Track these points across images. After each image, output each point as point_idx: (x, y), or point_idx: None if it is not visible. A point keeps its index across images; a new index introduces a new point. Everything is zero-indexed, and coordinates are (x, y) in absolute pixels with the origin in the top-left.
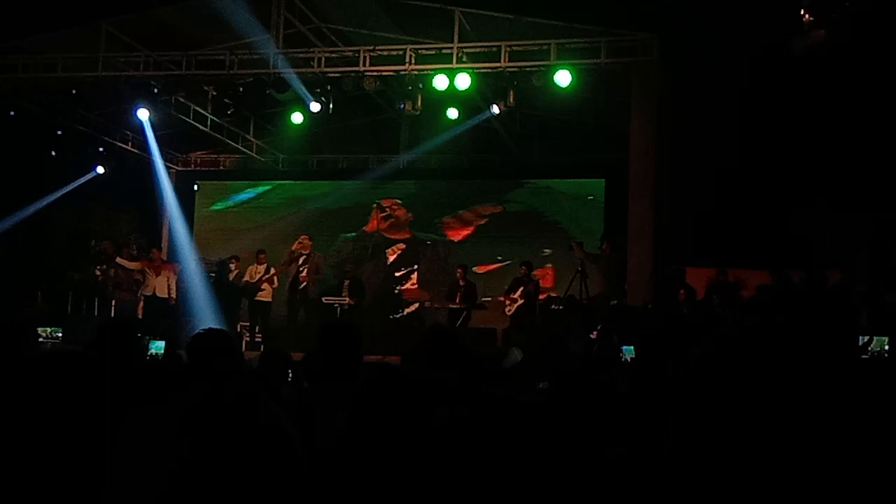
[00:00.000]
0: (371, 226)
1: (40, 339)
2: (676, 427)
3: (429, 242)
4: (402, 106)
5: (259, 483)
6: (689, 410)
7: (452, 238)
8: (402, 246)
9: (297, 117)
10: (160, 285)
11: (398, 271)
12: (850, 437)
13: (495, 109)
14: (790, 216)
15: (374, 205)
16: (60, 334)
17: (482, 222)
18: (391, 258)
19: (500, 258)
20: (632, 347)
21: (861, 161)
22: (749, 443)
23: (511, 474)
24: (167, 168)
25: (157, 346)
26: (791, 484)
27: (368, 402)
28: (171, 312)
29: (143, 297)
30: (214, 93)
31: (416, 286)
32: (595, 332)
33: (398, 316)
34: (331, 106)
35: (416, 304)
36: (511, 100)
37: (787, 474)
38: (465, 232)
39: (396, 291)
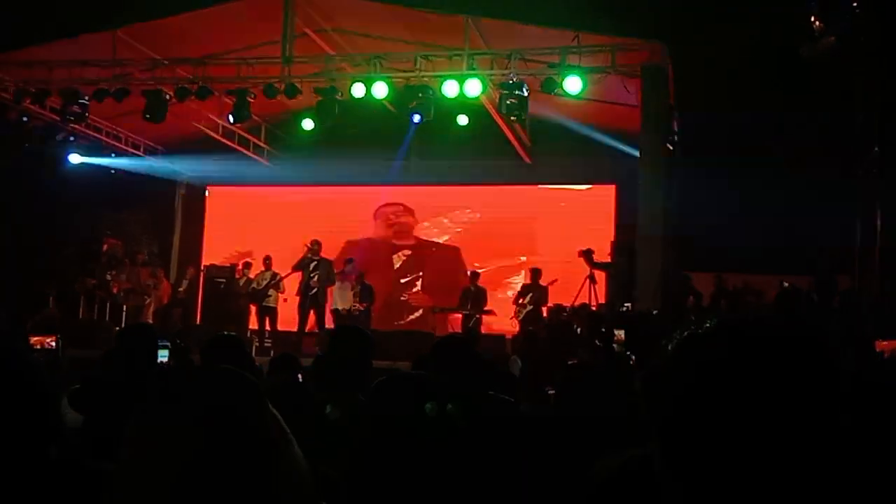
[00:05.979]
0: (376, 234)
1: (35, 349)
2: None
3: (434, 249)
4: (413, 115)
5: (264, 485)
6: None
7: (458, 243)
8: (408, 252)
9: (307, 123)
10: None
11: (403, 277)
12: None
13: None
14: (799, 221)
15: (379, 211)
16: (54, 343)
17: (491, 228)
18: (396, 265)
19: (506, 263)
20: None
21: (871, 163)
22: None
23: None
24: (177, 174)
25: (162, 354)
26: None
27: (379, 408)
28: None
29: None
30: (226, 99)
31: (421, 292)
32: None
33: (403, 322)
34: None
35: (420, 311)
36: (521, 105)
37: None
38: (474, 237)
39: (403, 298)
